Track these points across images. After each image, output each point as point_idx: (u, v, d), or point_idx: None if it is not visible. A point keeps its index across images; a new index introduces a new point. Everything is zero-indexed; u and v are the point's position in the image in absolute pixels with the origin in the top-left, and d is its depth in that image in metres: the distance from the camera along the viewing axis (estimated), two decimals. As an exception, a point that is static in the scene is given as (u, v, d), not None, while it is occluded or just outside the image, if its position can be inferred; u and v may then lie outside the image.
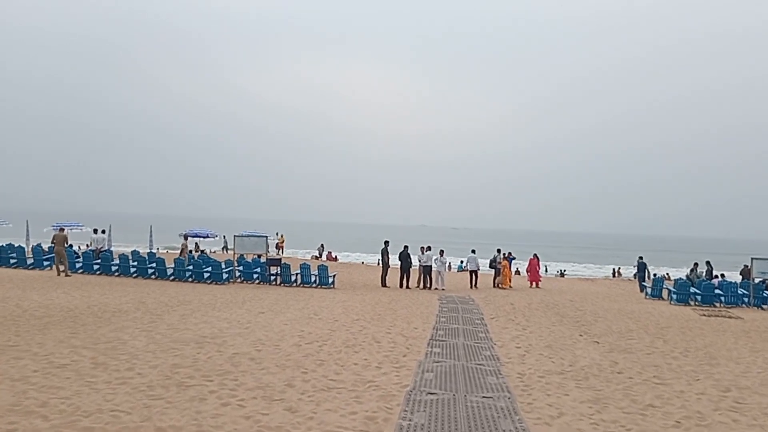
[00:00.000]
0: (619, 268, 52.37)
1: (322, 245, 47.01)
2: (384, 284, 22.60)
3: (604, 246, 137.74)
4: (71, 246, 24.21)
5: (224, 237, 29.43)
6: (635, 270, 29.88)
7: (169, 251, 38.11)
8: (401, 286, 22.30)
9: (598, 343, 11.34)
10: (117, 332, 10.09)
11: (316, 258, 43.48)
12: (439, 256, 23.38)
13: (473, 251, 25.21)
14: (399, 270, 22.84)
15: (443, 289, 22.42)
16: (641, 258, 28.54)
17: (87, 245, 25.29)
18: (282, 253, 40.99)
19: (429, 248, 23.12)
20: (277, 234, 40.74)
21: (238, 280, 22.08)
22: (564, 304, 18.16)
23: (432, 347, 10.10)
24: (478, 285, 24.12)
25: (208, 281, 20.96)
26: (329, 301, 16.42)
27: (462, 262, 47.95)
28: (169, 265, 21.69)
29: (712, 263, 25.82)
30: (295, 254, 49.00)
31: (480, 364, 8.90)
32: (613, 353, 10.34)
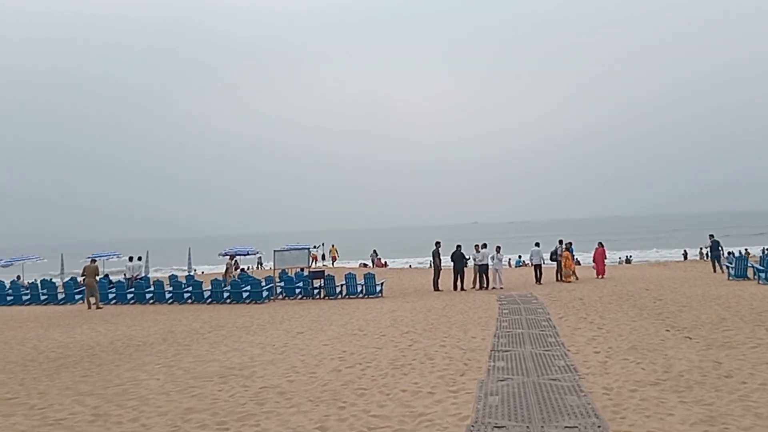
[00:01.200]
0: (691, 250, 48.98)
1: (374, 251, 45.31)
2: (437, 288, 21.10)
3: (654, 229, 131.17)
4: (107, 276, 23.73)
5: (258, 254, 28.58)
6: (707, 249, 27.20)
7: (205, 272, 37.73)
8: (455, 288, 20.77)
9: (690, 338, 9.51)
10: (134, 371, 8.96)
11: (365, 266, 42.23)
12: (495, 253, 21.77)
13: (537, 244, 23.49)
14: (452, 272, 21.30)
15: (501, 288, 20.76)
16: (712, 236, 25.93)
17: (124, 274, 24.73)
18: (334, 263, 40.02)
19: (484, 246, 21.56)
20: (315, 246, 39.58)
21: (280, 296, 21.00)
22: (639, 294, 16.18)
23: (494, 360, 8.53)
24: (542, 280, 22.36)
25: (247, 301, 19.92)
26: (376, 312, 15.02)
27: (520, 257, 45.88)
28: (207, 287, 20.79)
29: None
30: (348, 263, 47.87)
31: (554, 379, 7.28)
32: (711, 350, 8.53)
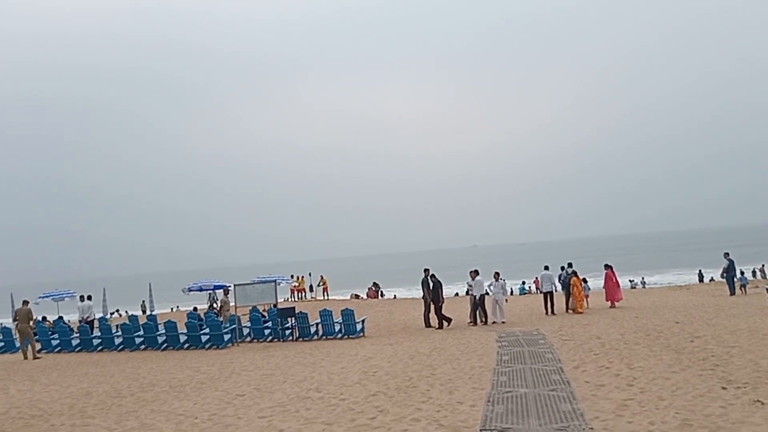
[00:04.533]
0: (706, 270, 46.07)
1: (375, 284, 41.45)
2: (427, 324, 18.30)
3: (662, 247, 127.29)
4: (61, 319, 20.98)
5: (210, 292, 25.92)
6: (724, 269, 24.51)
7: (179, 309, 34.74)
8: (428, 325, 17.88)
9: (762, 403, 6.75)
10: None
11: (357, 297, 39.34)
12: (494, 280, 18.91)
13: (546, 267, 20.58)
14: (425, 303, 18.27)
15: (503, 322, 17.89)
16: (728, 254, 23.33)
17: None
18: (327, 296, 37.15)
19: (477, 272, 18.66)
20: (293, 276, 36.68)
21: (248, 339, 18.24)
22: (669, 328, 13.35)
23: (485, 451, 5.77)
24: (555, 310, 19.39)
25: (207, 346, 17.13)
26: (347, 361, 12.23)
27: (524, 283, 42.94)
28: (165, 330, 18.03)
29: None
30: (340, 295, 44.70)
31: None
32: (800, 422, 5.78)
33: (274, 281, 18.87)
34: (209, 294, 26.73)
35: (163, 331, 17.86)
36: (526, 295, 36.15)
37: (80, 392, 11.07)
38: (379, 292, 40.94)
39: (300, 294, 36.62)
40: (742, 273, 25.54)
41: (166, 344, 17.68)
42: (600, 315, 18.01)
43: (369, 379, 9.93)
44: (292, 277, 37.15)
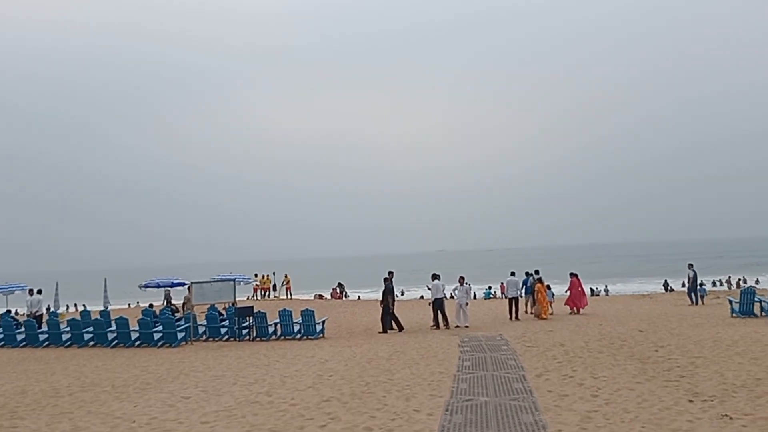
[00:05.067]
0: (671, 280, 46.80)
1: (339, 284, 41.01)
2: (390, 327, 17.85)
3: (630, 257, 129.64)
4: (8, 313, 19.89)
5: (166, 289, 24.97)
6: (689, 279, 24.95)
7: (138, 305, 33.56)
8: (385, 330, 17.45)
9: (729, 417, 6.48)
10: None
11: (321, 297, 38.72)
12: (459, 284, 18.62)
13: (513, 273, 20.35)
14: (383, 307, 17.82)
15: (467, 327, 17.58)
16: (692, 265, 23.72)
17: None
18: (290, 295, 36.37)
19: (437, 276, 18.29)
20: (256, 275, 35.88)
21: (203, 338, 17.52)
22: (633, 337, 13.17)
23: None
24: (519, 316, 19.27)
25: (159, 344, 16.35)
26: (303, 363, 11.69)
27: (490, 288, 42.90)
28: (115, 327, 17.17)
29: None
30: (305, 295, 43.90)
31: None
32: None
33: (233, 280, 18.14)
34: (165, 291, 25.80)
35: (115, 327, 16.99)
36: (491, 299, 36.04)
37: (15, 391, 10.29)
38: (344, 293, 40.38)
39: (264, 293, 35.81)
40: (701, 284, 26.00)
41: (116, 341, 16.83)
42: (564, 322, 17.83)
43: (323, 383, 9.42)
44: (255, 276, 36.32)
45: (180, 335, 16.40)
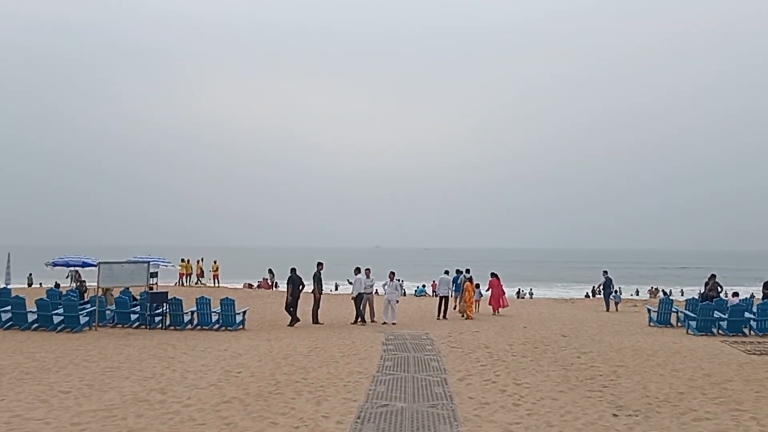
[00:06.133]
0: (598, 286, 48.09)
1: (270, 271, 39.44)
2: (315, 320, 17.11)
3: (559, 262, 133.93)
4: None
5: (71, 270, 23.17)
6: (600, 286, 25.60)
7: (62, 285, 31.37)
8: (314, 321, 16.81)
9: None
10: None
11: (250, 286, 37.42)
12: (389, 280, 18.14)
13: (446, 272, 20.01)
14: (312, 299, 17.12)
15: (394, 324, 17.07)
16: (606, 272, 24.68)
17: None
18: (218, 283, 34.85)
19: (358, 270, 17.67)
20: (183, 260, 34.16)
21: (110, 323, 16.21)
22: (556, 341, 12.99)
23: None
24: (447, 315, 18.93)
25: (58, 329, 14.94)
26: (213, 357, 10.80)
27: (423, 286, 42.69)
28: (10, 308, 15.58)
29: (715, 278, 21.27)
30: (233, 283, 42.23)
31: None
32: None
33: (147, 263, 16.82)
34: (71, 271, 23.90)
35: (9, 308, 15.41)
36: (422, 297, 35.83)
37: None
38: (274, 283, 39.17)
39: (188, 278, 34.17)
40: (616, 291, 26.79)
41: (11, 323, 15.28)
42: (490, 322, 17.62)
43: (229, 381, 8.60)
44: (182, 261, 34.60)
45: (83, 320, 15.05)
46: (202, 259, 36.45)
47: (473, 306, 19.55)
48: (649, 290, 43.47)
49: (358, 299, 17.11)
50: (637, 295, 42.08)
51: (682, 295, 41.70)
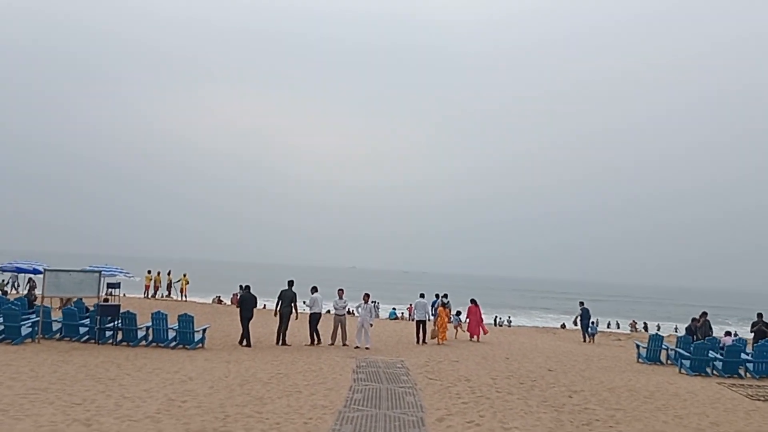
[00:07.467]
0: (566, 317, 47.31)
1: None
2: (281, 341, 15.89)
3: (540, 292, 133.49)
4: None
5: (11, 276, 21.62)
6: (578, 317, 24.92)
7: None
8: (281, 342, 15.73)
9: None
10: None
11: (220, 302, 35.90)
12: (363, 302, 16.98)
13: (422, 295, 19.00)
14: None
15: (367, 348, 15.90)
16: (582, 303, 24.31)
17: None
18: (185, 297, 33.31)
19: (315, 289, 16.77)
20: (148, 272, 32.63)
21: (56, 336, 14.78)
22: (542, 376, 11.92)
23: None
24: (426, 340, 17.90)
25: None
26: (159, 381, 9.51)
27: (395, 309, 41.45)
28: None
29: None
30: (203, 298, 40.55)
31: None
32: None
33: (99, 272, 15.45)
34: (11, 278, 22.24)
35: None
36: (396, 320, 34.58)
37: None
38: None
39: (155, 292, 32.60)
40: (593, 323, 26.10)
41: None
42: (469, 351, 16.54)
43: (170, 412, 7.36)
44: (148, 273, 33.03)
45: (25, 331, 13.61)
46: (169, 272, 34.93)
47: (446, 332, 18.54)
48: (630, 324, 42.74)
49: (314, 319, 16.14)
50: (618, 328, 41.28)
51: (658, 329, 41.09)
